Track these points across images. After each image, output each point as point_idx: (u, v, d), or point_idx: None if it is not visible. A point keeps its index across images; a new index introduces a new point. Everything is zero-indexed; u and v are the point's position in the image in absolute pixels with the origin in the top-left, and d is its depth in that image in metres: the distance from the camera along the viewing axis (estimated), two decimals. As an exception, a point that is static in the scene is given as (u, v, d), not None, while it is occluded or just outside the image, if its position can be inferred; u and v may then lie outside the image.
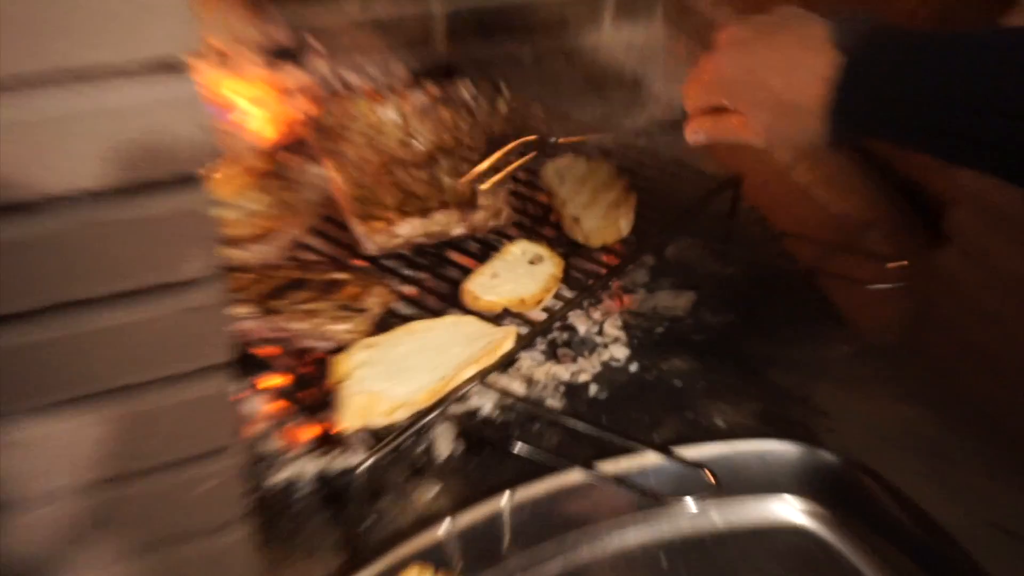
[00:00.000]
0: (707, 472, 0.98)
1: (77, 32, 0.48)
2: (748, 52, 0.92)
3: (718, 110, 0.97)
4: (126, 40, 0.49)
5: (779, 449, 1.12)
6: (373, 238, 1.25)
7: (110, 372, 0.57)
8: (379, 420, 1.02)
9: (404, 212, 1.27)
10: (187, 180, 0.54)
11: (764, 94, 0.90)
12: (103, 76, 0.50)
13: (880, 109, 0.83)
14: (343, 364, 1.06)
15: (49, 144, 0.50)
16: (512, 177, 1.41)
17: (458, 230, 1.29)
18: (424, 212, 1.27)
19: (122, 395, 0.58)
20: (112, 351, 0.56)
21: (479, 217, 1.29)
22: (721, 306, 1.40)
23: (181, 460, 0.61)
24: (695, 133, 1.02)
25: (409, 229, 1.26)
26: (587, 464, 1.03)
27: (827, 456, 1.11)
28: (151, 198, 0.54)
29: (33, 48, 0.47)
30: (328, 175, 1.33)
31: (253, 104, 1.64)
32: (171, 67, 0.51)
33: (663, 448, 1.04)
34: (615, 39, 1.96)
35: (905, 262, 1.24)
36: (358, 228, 1.27)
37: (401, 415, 1.02)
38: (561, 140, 1.32)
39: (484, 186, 1.25)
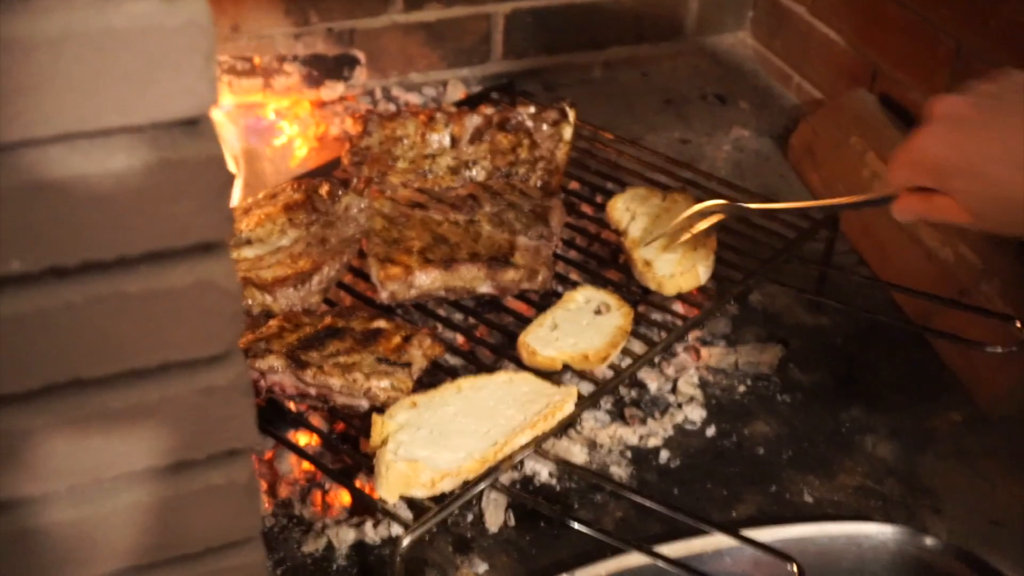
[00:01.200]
0: (794, 566, 0.96)
1: (82, 91, 0.48)
2: (967, 135, 0.93)
3: (928, 189, 0.98)
4: (138, 98, 0.50)
5: (876, 533, 1.10)
6: (387, 285, 1.25)
7: (118, 459, 0.58)
8: (421, 492, 1.02)
9: (427, 260, 1.26)
10: (206, 248, 0.55)
11: (985, 186, 0.92)
12: (114, 136, 0.51)
13: None
14: (383, 426, 1.06)
15: (50, 211, 0.50)
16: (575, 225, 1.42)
17: (484, 288, 1.28)
18: (449, 263, 1.26)
19: (132, 483, 0.59)
20: (120, 436, 0.57)
21: (509, 277, 1.27)
22: (813, 363, 1.38)
23: (199, 553, 0.62)
24: (903, 212, 1.04)
25: (428, 281, 1.26)
26: (649, 549, 1.02)
27: (931, 543, 1.09)
28: (165, 269, 0.54)
29: (34, 110, 0.48)
30: (369, 206, 1.34)
31: (289, 123, 1.67)
32: (190, 124, 0.52)
33: (737, 532, 1.03)
34: (696, 50, 1.96)
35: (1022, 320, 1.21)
36: (373, 271, 1.27)
37: (446, 486, 1.02)
38: (752, 206, 1.30)
39: (655, 250, 1.32)
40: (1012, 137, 0.90)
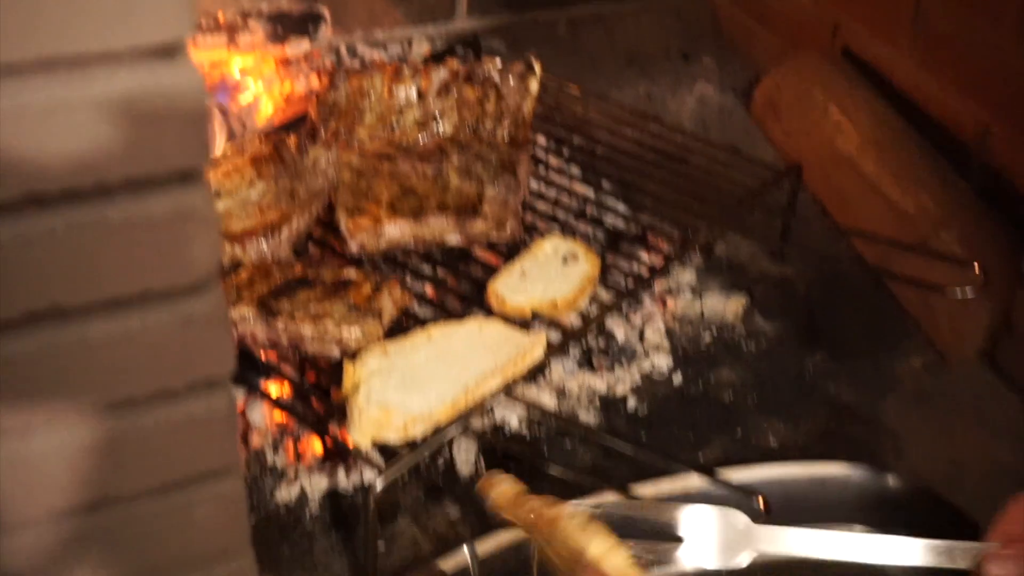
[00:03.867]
0: (759, 499, 0.98)
1: (60, 15, 0.48)
2: None
3: None
4: (115, 23, 0.50)
5: (840, 473, 1.12)
6: (356, 236, 1.26)
7: (97, 388, 0.58)
8: (393, 435, 1.03)
9: (396, 211, 1.27)
10: (185, 177, 0.55)
11: None
12: (93, 64, 0.51)
13: None
14: (354, 373, 1.07)
15: (30, 137, 0.50)
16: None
17: (453, 238, 1.29)
18: (417, 214, 1.27)
19: (111, 412, 0.59)
20: (99, 365, 0.57)
21: (478, 228, 1.28)
22: (777, 312, 1.40)
23: (178, 482, 0.62)
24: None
25: (397, 232, 1.27)
26: (624, 487, 1.04)
27: (894, 482, 1.11)
28: (145, 197, 0.54)
29: (18, 36, 0.48)
30: (337, 158, 1.34)
31: (255, 79, 1.66)
32: (168, 52, 0.52)
33: (708, 470, 1.05)
34: (660, 8, 1.96)
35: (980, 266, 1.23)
36: (343, 222, 1.27)
37: (418, 430, 1.03)
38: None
39: None
40: None
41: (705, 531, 0.90)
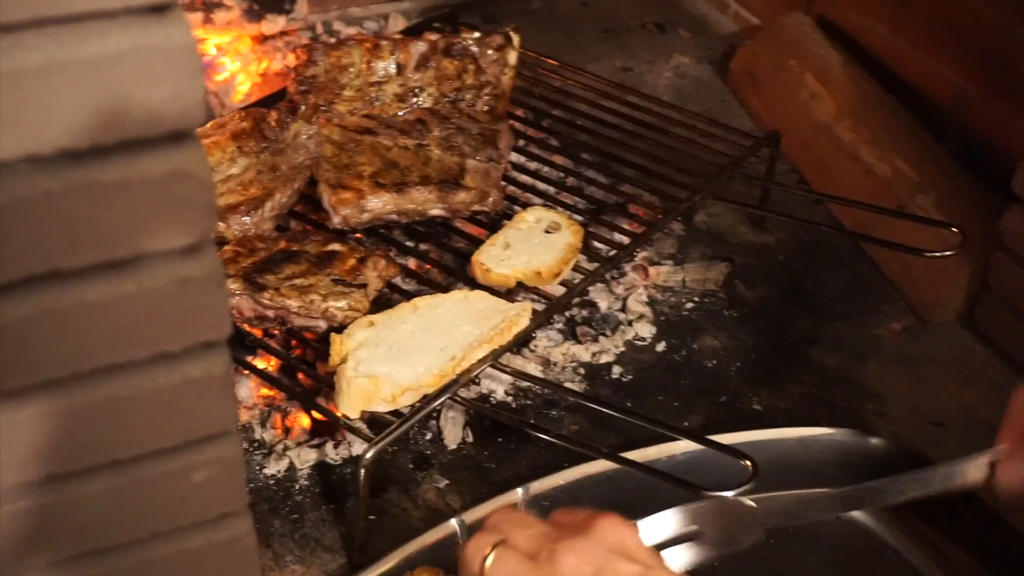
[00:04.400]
0: (748, 461, 0.99)
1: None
2: None
3: None
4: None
5: (824, 436, 1.12)
6: (339, 210, 1.26)
7: (96, 351, 0.58)
8: (382, 406, 1.03)
9: (378, 184, 1.27)
10: (179, 137, 0.55)
11: None
12: (86, 22, 0.50)
13: None
14: (342, 345, 1.07)
15: (24, 99, 0.50)
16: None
17: (435, 211, 1.29)
18: (400, 187, 1.27)
19: (110, 376, 0.59)
20: (98, 328, 0.57)
21: (460, 199, 1.28)
22: (758, 278, 1.41)
23: (177, 446, 0.62)
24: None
25: (380, 204, 1.26)
26: (611, 453, 1.05)
27: (877, 444, 1.12)
28: (140, 157, 0.54)
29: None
30: (318, 133, 1.34)
31: (231, 57, 1.65)
32: (160, 10, 0.52)
33: (697, 434, 1.05)
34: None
35: (959, 228, 1.24)
36: (325, 196, 1.27)
37: (406, 400, 1.04)
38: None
39: None
40: None
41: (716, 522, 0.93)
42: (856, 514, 1.10)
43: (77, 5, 0.49)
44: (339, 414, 1.04)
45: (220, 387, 0.62)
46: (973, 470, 0.84)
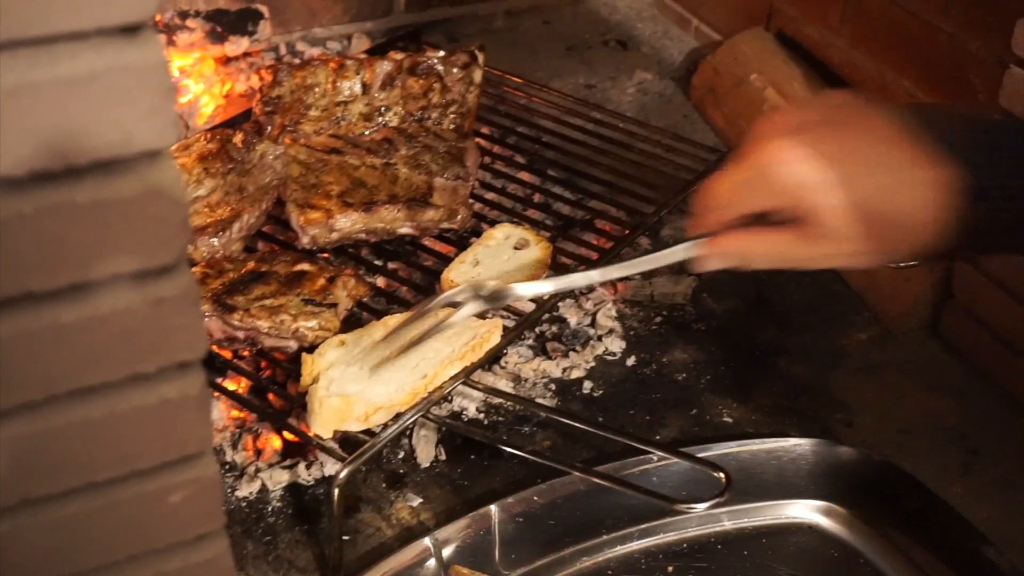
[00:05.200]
0: (721, 473, 1.00)
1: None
2: (830, 137, 0.77)
3: (750, 226, 0.82)
4: (83, 5, 0.50)
5: (794, 447, 1.13)
6: (308, 230, 1.26)
7: (70, 373, 0.58)
8: (354, 426, 1.03)
9: (346, 203, 1.27)
10: (152, 156, 0.55)
11: (850, 194, 0.75)
12: (59, 43, 0.50)
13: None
14: (313, 364, 1.07)
15: (2, 121, 0.50)
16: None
17: (404, 229, 1.29)
18: (368, 206, 1.27)
19: (84, 397, 0.58)
20: (72, 350, 0.57)
21: (429, 217, 1.29)
22: (725, 291, 1.42)
23: (153, 467, 0.62)
24: (720, 256, 0.84)
25: (348, 224, 1.27)
26: (584, 467, 1.05)
27: (845, 452, 1.13)
28: (113, 177, 0.54)
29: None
30: (284, 153, 1.34)
31: (195, 79, 1.65)
32: (132, 31, 0.52)
33: (670, 447, 1.06)
34: (597, -2, 1.98)
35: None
36: (293, 217, 1.27)
37: (379, 419, 1.03)
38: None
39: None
40: (880, 142, 0.76)
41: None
42: (827, 523, 1.12)
43: (49, 26, 0.49)
44: (311, 434, 1.04)
45: (196, 407, 0.62)
46: (685, 251, 0.88)
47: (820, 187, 0.75)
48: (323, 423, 1.03)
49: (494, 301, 1.01)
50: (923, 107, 0.81)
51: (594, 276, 1.06)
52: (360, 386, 1.05)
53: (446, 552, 1.02)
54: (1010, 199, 0.78)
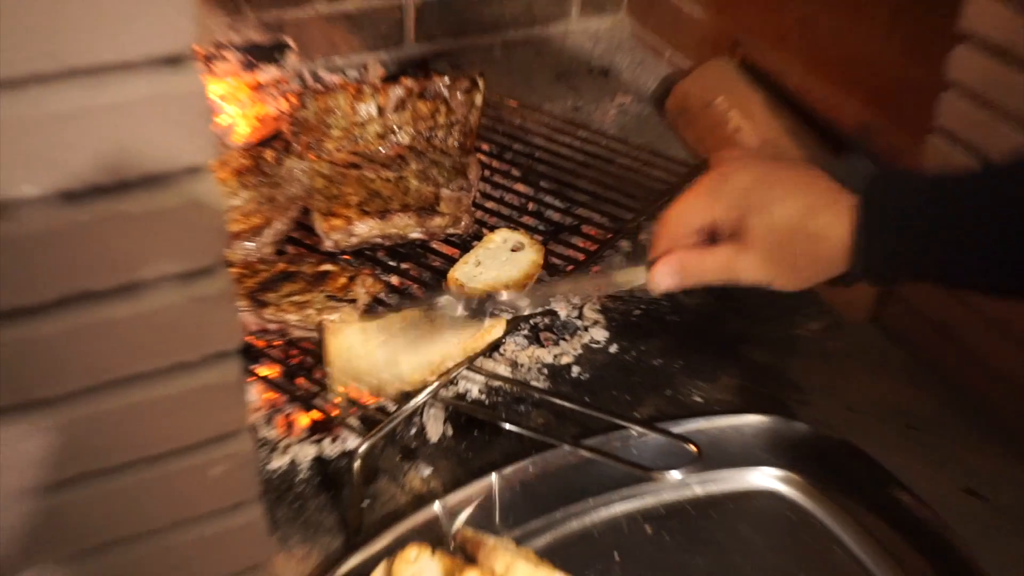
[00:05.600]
0: (692, 445, 1.00)
1: (82, 29, 0.48)
2: (761, 163, 0.82)
3: (698, 246, 0.86)
4: (130, 36, 0.49)
5: (755, 422, 1.13)
6: (330, 235, 1.25)
7: (123, 362, 0.57)
8: (370, 400, 1.03)
9: (364, 211, 1.27)
10: (194, 171, 0.55)
11: (781, 210, 0.79)
12: (111, 72, 0.50)
13: (909, 249, 0.77)
14: (335, 344, 1.06)
15: (57, 140, 0.50)
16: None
17: (415, 234, 1.28)
18: (383, 214, 1.26)
19: (136, 384, 0.58)
20: (125, 341, 0.57)
21: (436, 223, 1.28)
22: (695, 288, 1.41)
23: (196, 444, 0.62)
24: (669, 275, 0.87)
25: (366, 229, 1.26)
26: (574, 441, 1.05)
27: (800, 428, 1.13)
28: (160, 190, 0.54)
29: (45, 50, 0.48)
30: (310, 168, 1.33)
31: (231, 103, 1.64)
32: (175, 61, 0.52)
33: (648, 422, 1.06)
34: (582, 31, 1.98)
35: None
36: (318, 223, 1.27)
37: (392, 392, 1.03)
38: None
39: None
40: (807, 172, 0.81)
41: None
42: (784, 488, 1.11)
43: (102, 57, 0.49)
44: (335, 413, 1.04)
45: (233, 391, 0.62)
46: (639, 274, 0.90)
47: (757, 209, 0.78)
48: (342, 399, 1.03)
49: (480, 307, 1.02)
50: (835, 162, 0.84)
51: (560, 293, 1.04)
52: (376, 365, 1.05)
53: (453, 515, 1.01)
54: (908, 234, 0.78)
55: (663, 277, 0.87)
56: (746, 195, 0.80)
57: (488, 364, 1.23)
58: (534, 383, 1.23)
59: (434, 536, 0.99)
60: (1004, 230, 0.74)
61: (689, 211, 0.84)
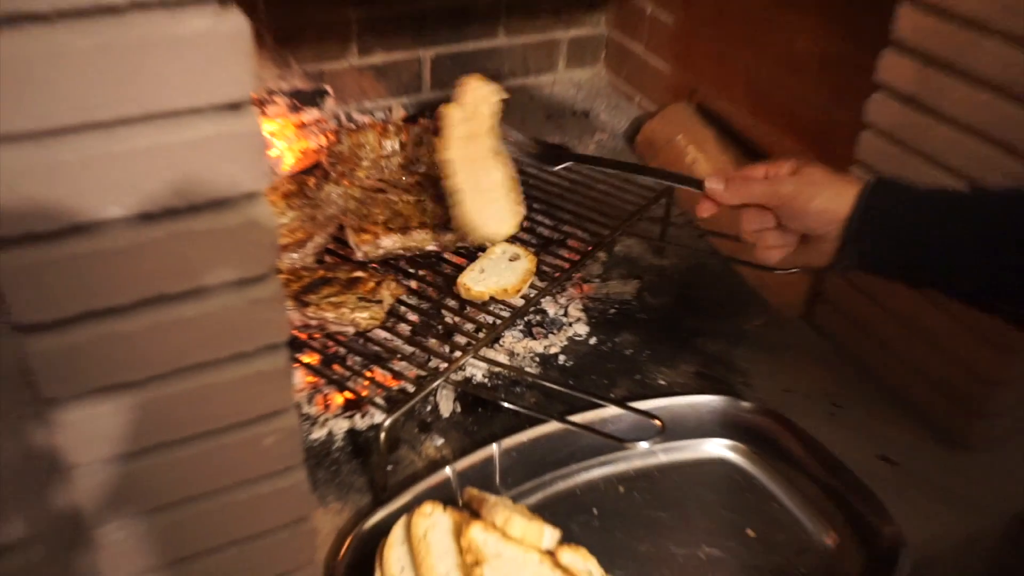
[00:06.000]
0: (657, 420, 1.00)
1: (163, 82, 0.48)
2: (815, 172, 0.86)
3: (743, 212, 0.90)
4: (201, 87, 0.50)
5: (708, 401, 1.13)
6: (361, 247, 1.25)
7: (192, 352, 0.58)
8: (393, 383, 1.02)
9: (389, 228, 1.26)
10: (252, 196, 0.55)
11: (811, 172, 0.84)
12: (183, 116, 0.50)
13: (882, 245, 0.81)
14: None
15: (139, 171, 0.50)
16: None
17: (431, 246, 1.28)
18: (405, 230, 1.26)
19: (202, 370, 0.59)
20: (193, 335, 0.57)
21: (448, 238, 1.28)
22: (661, 291, 1.41)
23: (252, 419, 0.62)
24: (717, 181, 0.92)
25: (391, 243, 1.26)
26: (560, 417, 1.05)
27: (745, 406, 1.13)
28: (223, 212, 0.54)
29: (128, 96, 0.48)
30: (344, 192, 1.33)
31: (279, 138, 1.64)
32: (236, 107, 0.52)
33: (621, 402, 1.06)
34: (567, 80, 1.98)
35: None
36: (350, 238, 1.27)
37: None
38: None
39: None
40: (829, 179, 0.85)
41: None
42: (732, 455, 1.11)
43: (176, 104, 0.49)
44: (364, 394, 1.03)
45: (282, 376, 0.62)
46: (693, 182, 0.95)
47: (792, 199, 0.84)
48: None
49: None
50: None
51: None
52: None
53: (461, 478, 1.01)
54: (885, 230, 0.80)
55: (713, 181, 0.91)
56: (794, 168, 0.86)
57: (489, 353, 1.23)
58: (528, 369, 1.23)
59: (446, 495, 0.99)
60: (967, 243, 0.75)
61: (748, 188, 0.88)
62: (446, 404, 1.16)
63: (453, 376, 1.10)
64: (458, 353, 1.09)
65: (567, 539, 0.91)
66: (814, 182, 0.84)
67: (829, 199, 0.82)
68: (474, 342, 1.11)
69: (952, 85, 1.03)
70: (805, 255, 0.87)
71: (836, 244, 0.83)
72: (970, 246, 0.75)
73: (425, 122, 1.45)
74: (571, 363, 1.26)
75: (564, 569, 0.86)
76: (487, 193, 1.23)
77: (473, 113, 1.22)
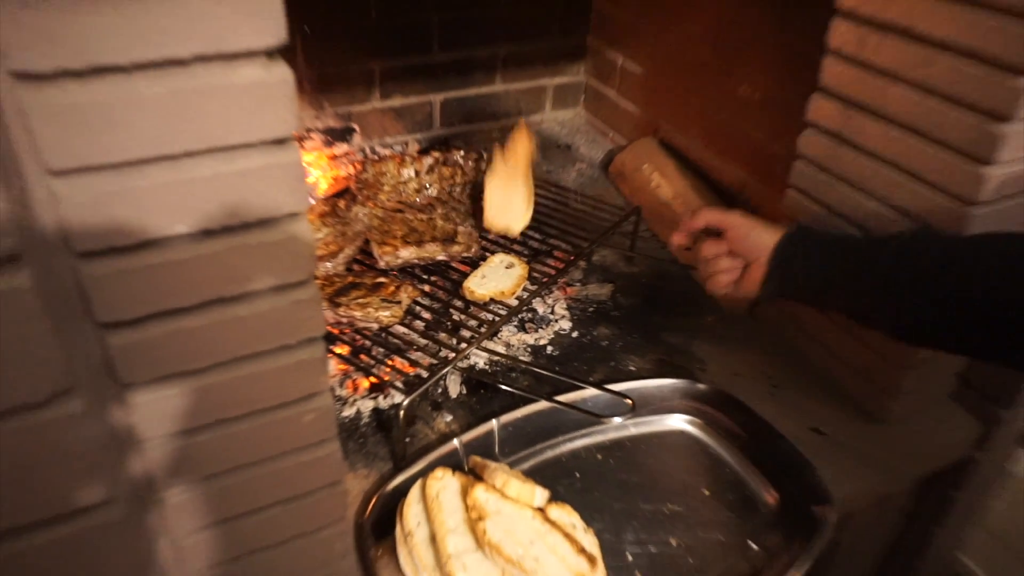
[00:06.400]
0: (628, 399, 1.00)
1: (220, 123, 0.48)
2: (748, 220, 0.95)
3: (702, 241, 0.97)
4: (252, 126, 0.50)
5: (671, 384, 1.14)
6: (383, 257, 1.25)
7: (245, 344, 0.58)
8: (410, 370, 1.02)
9: (406, 242, 1.27)
10: (294, 216, 0.55)
11: (752, 220, 0.93)
12: (238, 149, 0.50)
13: (794, 278, 0.88)
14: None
15: (201, 195, 0.50)
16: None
17: (440, 257, 1.28)
18: (419, 243, 1.26)
19: (253, 359, 0.58)
20: (247, 331, 0.57)
21: (455, 249, 1.28)
22: (631, 293, 1.41)
23: (293, 400, 0.62)
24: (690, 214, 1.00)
25: (407, 253, 1.26)
26: (549, 397, 1.05)
27: (702, 387, 1.13)
28: (271, 228, 0.54)
29: (192, 133, 0.48)
30: (369, 212, 1.33)
31: (315, 167, 1.64)
32: (281, 142, 0.52)
33: (599, 385, 1.06)
34: (553, 119, 1.98)
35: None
36: (374, 249, 1.27)
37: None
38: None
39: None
40: (771, 225, 0.94)
41: None
42: (691, 429, 1.11)
43: (231, 140, 0.49)
44: (386, 379, 1.03)
45: (319, 364, 0.62)
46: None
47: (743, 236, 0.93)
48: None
49: None
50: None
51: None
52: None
53: (467, 448, 1.01)
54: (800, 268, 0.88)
55: (679, 240, 1.01)
56: (743, 231, 0.93)
57: (490, 345, 1.23)
58: (521, 357, 1.23)
59: (454, 462, 0.99)
60: (863, 281, 0.82)
61: (708, 216, 0.97)
62: (454, 387, 1.16)
63: (460, 364, 1.10)
64: (464, 345, 1.09)
65: (555, 498, 0.91)
66: (755, 221, 0.93)
67: (763, 230, 0.91)
68: (477, 335, 1.11)
69: (869, 123, 1.04)
70: (741, 285, 0.94)
71: (764, 270, 0.90)
72: (865, 283, 0.82)
73: (436, 154, 1.45)
74: (557, 352, 1.26)
75: (552, 523, 0.86)
76: (512, 201, 1.27)
77: (513, 149, 1.29)
